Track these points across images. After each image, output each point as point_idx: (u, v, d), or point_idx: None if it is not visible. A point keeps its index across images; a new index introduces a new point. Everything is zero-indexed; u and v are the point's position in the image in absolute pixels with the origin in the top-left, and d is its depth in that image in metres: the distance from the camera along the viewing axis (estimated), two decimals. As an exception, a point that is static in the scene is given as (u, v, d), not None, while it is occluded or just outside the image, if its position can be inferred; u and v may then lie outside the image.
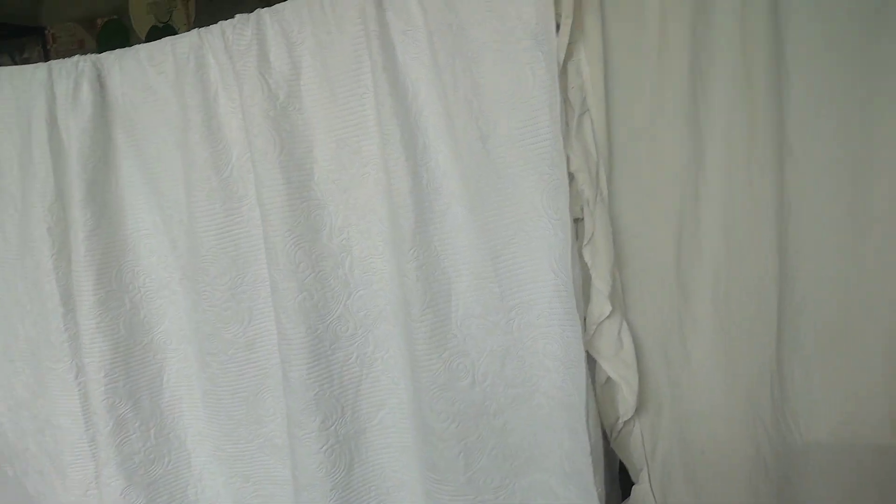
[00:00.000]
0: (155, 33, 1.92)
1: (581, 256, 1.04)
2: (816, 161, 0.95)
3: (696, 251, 1.02)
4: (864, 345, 1.01)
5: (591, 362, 1.10)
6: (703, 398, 1.06)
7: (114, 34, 1.94)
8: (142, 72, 1.20)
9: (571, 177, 1.00)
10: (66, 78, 1.21)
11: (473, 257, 1.11)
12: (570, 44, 0.97)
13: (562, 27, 0.95)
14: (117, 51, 1.21)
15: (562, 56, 0.96)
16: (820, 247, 0.98)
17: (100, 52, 1.23)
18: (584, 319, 1.06)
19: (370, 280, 1.20)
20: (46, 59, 1.48)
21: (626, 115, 1.00)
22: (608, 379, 1.07)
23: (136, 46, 1.19)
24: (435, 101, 1.07)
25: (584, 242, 1.02)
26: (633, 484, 1.15)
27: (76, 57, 1.22)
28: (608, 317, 1.03)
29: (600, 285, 1.00)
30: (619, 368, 1.02)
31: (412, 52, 1.07)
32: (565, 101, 1.00)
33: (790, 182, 0.97)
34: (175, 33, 1.20)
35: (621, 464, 1.19)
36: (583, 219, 1.04)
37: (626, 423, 1.09)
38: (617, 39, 0.98)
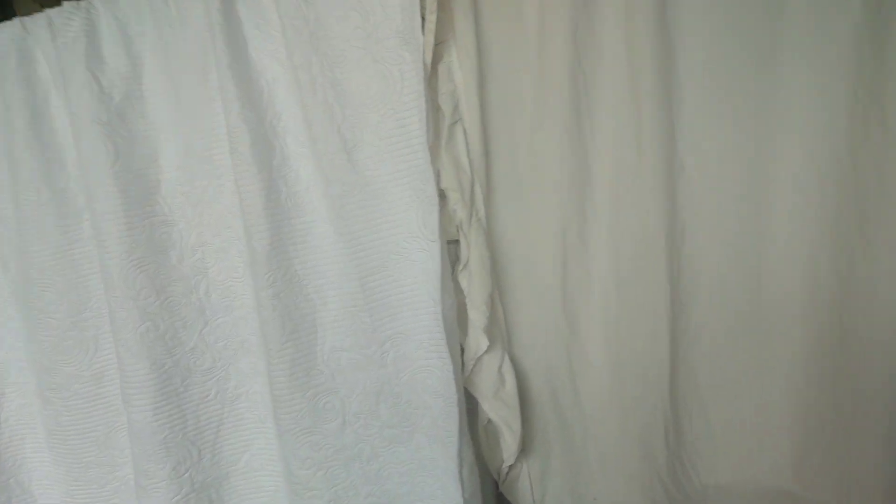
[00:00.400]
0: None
1: (458, 283, 0.92)
2: (711, 177, 0.86)
3: (583, 278, 0.91)
4: (765, 380, 0.92)
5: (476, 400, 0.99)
6: (594, 441, 0.96)
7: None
8: (-44, 66, 1.02)
9: (443, 194, 0.88)
10: None
11: (341, 283, 0.98)
12: (438, 43, 0.85)
13: (426, 24, 0.83)
14: (-74, 41, 1.02)
15: (429, 57, 0.83)
16: (716, 271, 0.89)
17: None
18: (463, 353, 0.94)
19: (230, 306, 1.05)
20: None
21: (504, 125, 0.88)
22: (490, 419, 0.95)
23: (-51, 36, 1.01)
24: (294, 105, 0.94)
25: (460, 268, 0.90)
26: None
27: None
28: (487, 351, 0.91)
29: (475, 317, 0.89)
30: (499, 410, 0.91)
31: (267, 49, 0.93)
32: (435, 108, 0.87)
33: (683, 200, 0.87)
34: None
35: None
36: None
37: (511, 467, 0.97)
38: (492, 41, 0.86)
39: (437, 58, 0.86)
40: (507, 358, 0.92)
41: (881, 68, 0.79)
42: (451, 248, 0.95)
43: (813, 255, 0.87)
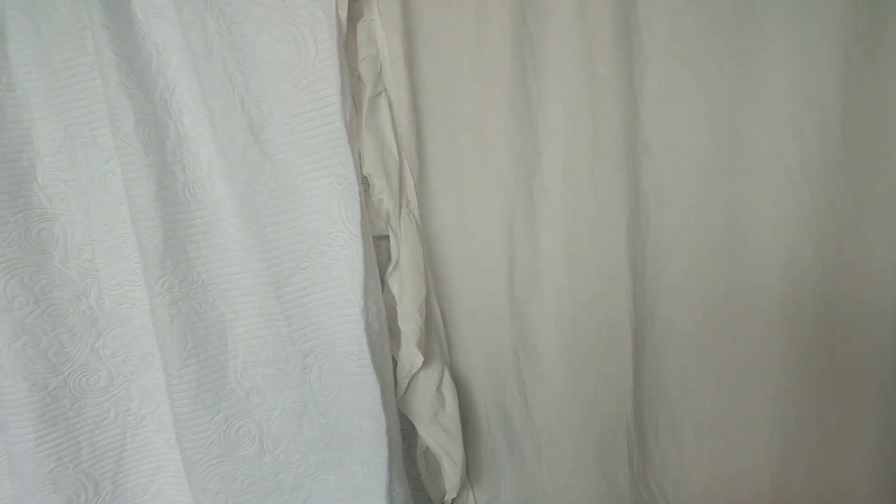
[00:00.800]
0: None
1: (389, 287, 0.78)
2: (680, 156, 0.74)
3: (534, 277, 0.78)
4: (741, 389, 0.81)
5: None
6: (548, 465, 0.83)
7: None
8: None
9: (366, 182, 0.74)
10: None
11: (253, 286, 0.84)
12: (357, -2, 0.70)
13: (339, -29, 0.68)
14: None
15: (344, 13, 0.68)
16: (686, 265, 0.78)
17: None
18: (396, 369, 0.80)
19: (128, 314, 0.90)
20: None
21: (439, 97, 0.74)
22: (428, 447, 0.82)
23: None
24: (189, 75, 0.79)
25: (389, 269, 0.76)
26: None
27: None
28: (423, 367, 0.77)
29: (407, 328, 0.75)
30: (438, 436, 0.78)
31: (154, 7, 0.77)
32: (355, 76, 0.73)
33: (647, 184, 0.75)
34: None
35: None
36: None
37: (455, 499, 0.84)
38: (422, -7, 0.71)
39: (355, 15, 0.71)
40: (447, 374, 0.78)
41: (878, 28, 0.67)
42: (384, 245, 0.80)
43: (797, 245, 0.76)
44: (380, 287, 0.77)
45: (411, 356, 0.76)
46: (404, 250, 0.74)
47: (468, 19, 0.71)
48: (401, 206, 0.74)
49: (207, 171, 0.82)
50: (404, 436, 0.83)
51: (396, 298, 0.77)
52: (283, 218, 0.81)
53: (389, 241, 0.78)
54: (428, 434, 0.78)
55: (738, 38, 0.69)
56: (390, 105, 0.73)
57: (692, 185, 0.75)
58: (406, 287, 0.75)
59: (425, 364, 0.77)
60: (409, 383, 0.79)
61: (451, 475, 0.78)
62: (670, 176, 0.75)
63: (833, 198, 0.71)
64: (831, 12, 0.66)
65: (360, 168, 0.74)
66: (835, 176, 0.70)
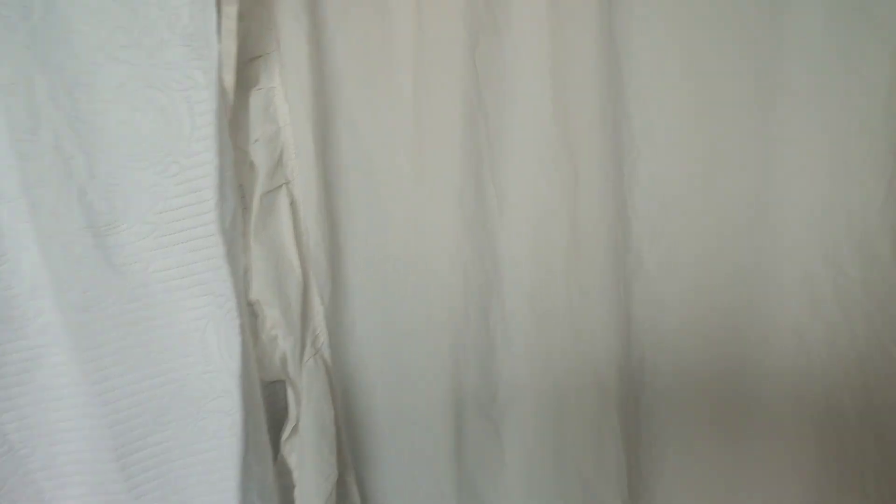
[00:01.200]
0: None
1: (283, 460, 0.54)
2: (679, 284, 0.58)
3: (489, 446, 0.58)
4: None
5: None
6: None
7: None
8: None
9: (252, 308, 0.52)
10: None
11: (88, 452, 0.60)
12: (253, 58, 0.50)
13: (223, 20, 0.48)
14: None
15: (230, 78, 0.49)
16: (688, 429, 0.60)
17: None
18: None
19: None
20: None
21: (362, 196, 0.54)
22: None
23: None
24: (9, 153, 0.56)
25: (286, 434, 0.53)
26: None
27: None
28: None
29: (305, 523, 0.51)
30: None
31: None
32: (245, 164, 0.52)
33: (640, 318, 0.58)
34: None
35: None
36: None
37: None
38: (341, 56, 0.53)
39: (248, 81, 0.51)
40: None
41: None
42: (280, 390, 0.58)
43: (833, 396, 0.59)
44: (270, 461, 0.54)
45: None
46: (307, 410, 0.52)
47: (405, 90, 0.52)
48: (304, 345, 0.53)
49: (30, 287, 0.58)
50: None
51: (294, 478, 0.54)
52: (136, 354, 0.58)
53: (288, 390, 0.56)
54: None
55: (752, 136, 0.54)
56: (293, 204, 0.53)
57: (695, 315, 0.58)
58: (308, 465, 0.52)
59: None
60: None
61: None
62: (668, 306, 0.58)
63: (887, 340, 0.54)
64: (873, 107, 0.51)
65: (247, 290, 0.52)
66: (886, 312, 0.54)
